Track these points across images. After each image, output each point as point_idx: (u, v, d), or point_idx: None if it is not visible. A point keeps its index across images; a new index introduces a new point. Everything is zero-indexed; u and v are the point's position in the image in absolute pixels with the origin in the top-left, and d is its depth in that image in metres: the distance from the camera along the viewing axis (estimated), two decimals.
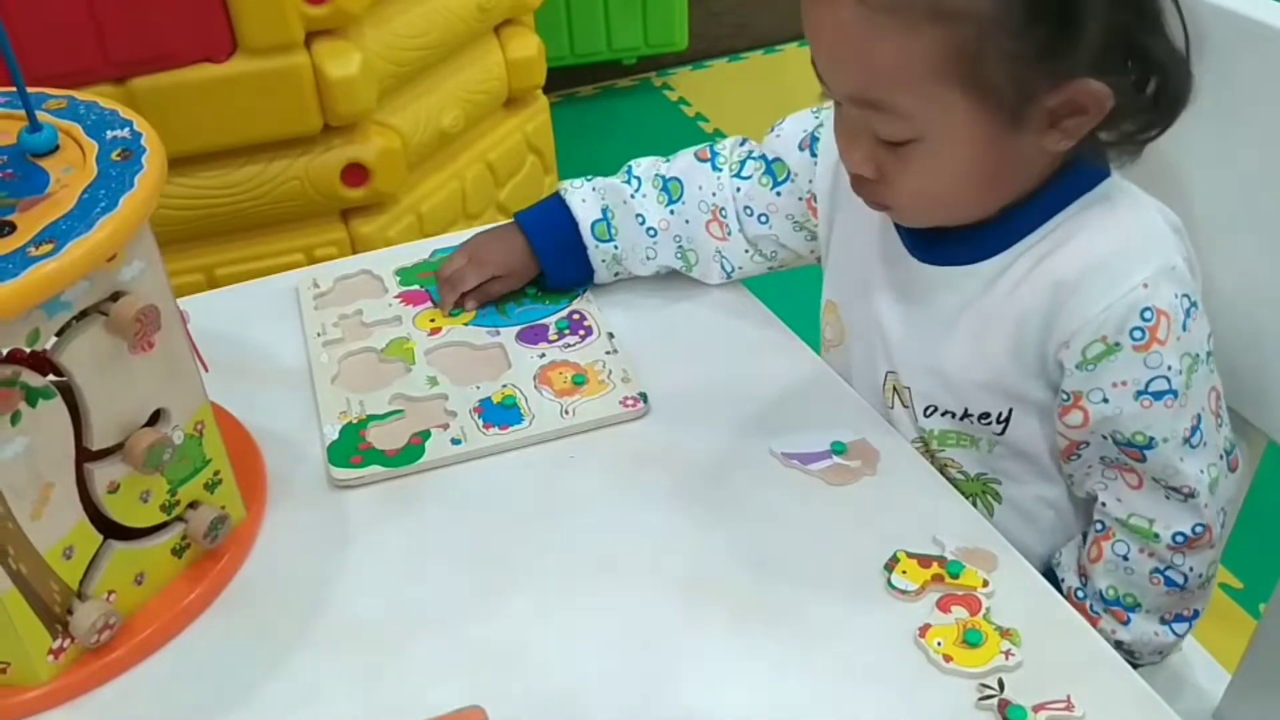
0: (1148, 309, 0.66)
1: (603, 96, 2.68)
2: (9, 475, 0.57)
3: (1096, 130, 0.66)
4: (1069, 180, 0.70)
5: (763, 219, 0.86)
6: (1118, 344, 0.67)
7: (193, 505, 0.67)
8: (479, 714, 0.56)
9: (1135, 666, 0.71)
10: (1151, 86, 0.66)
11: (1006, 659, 0.61)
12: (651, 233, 0.87)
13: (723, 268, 0.88)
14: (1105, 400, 0.68)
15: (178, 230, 1.49)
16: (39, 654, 0.61)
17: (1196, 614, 0.76)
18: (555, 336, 0.85)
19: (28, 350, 0.57)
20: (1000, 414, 0.74)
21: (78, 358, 0.58)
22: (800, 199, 0.84)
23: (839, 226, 0.82)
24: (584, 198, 0.88)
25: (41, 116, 0.64)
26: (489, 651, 0.63)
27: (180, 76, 1.43)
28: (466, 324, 0.86)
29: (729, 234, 0.87)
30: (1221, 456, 0.72)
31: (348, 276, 0.93)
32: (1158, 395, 0.68)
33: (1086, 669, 0.61)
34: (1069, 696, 0.59)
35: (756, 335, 0.85)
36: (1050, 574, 0.78)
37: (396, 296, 0.90)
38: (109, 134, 0.63)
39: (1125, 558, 0.73)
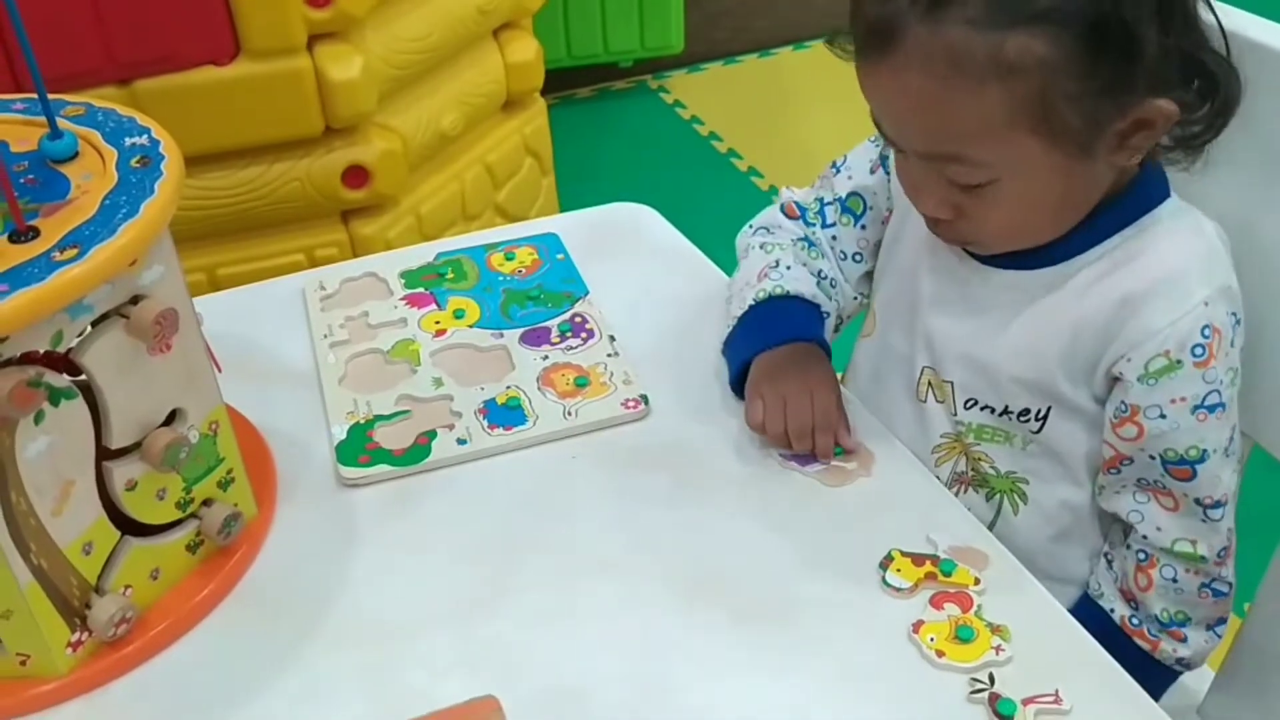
0: (1207, 326, 0.69)
1: (599, 99, 2.70)
2: (32, 473, 0.59)
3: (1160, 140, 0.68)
4: (1134, 197, 0.72)
5: (858, 258, 0.86)
6: (1179, 361, 0.69)
7: (207, 503, 0.69)
8: (493, 703, 0.58)
9: (1153, 683, 0.73)
10: (1205, 92, 0.68)
11: (997, 654, 0.63)
12: (833, 285, 0.86)
13: (836, 324, 0.87)
14: (1163, 416, 0.71)
15: (180, 230, 1.48)
16: (58, 646, 0.63)
17: (1228, 611, 0.79)
18: (558, 339, 0.86)
19: (47, 352, 0.59)
20: (1039, 411, 0.75)
21: (99, 359, 0.60)
22: (883, 222, 0.85)
23: (892, 225, 0.84)
24: (783, 275, 0.83)
25: (61, 123, 0.65)
26: (495, 646, 0.65)
27: (184, 79, 1.44)
28: (471, 325, 0.88)
29: (837, 287, 0.86)
30: (1240, 461, 0.75)
31: (353, 279, 0.94)
32: (1212, 409, 0.71)
33: (1074, 664, 0.63)
34: (1057, 690, 0.61)
35: None
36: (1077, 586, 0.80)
37: (402, 299, 0.91)
38: (127, 141, 0.65)
39: (1174, 580, 0.75)
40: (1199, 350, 0.69)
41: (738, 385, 0.80)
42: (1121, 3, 0.63)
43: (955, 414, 0.79)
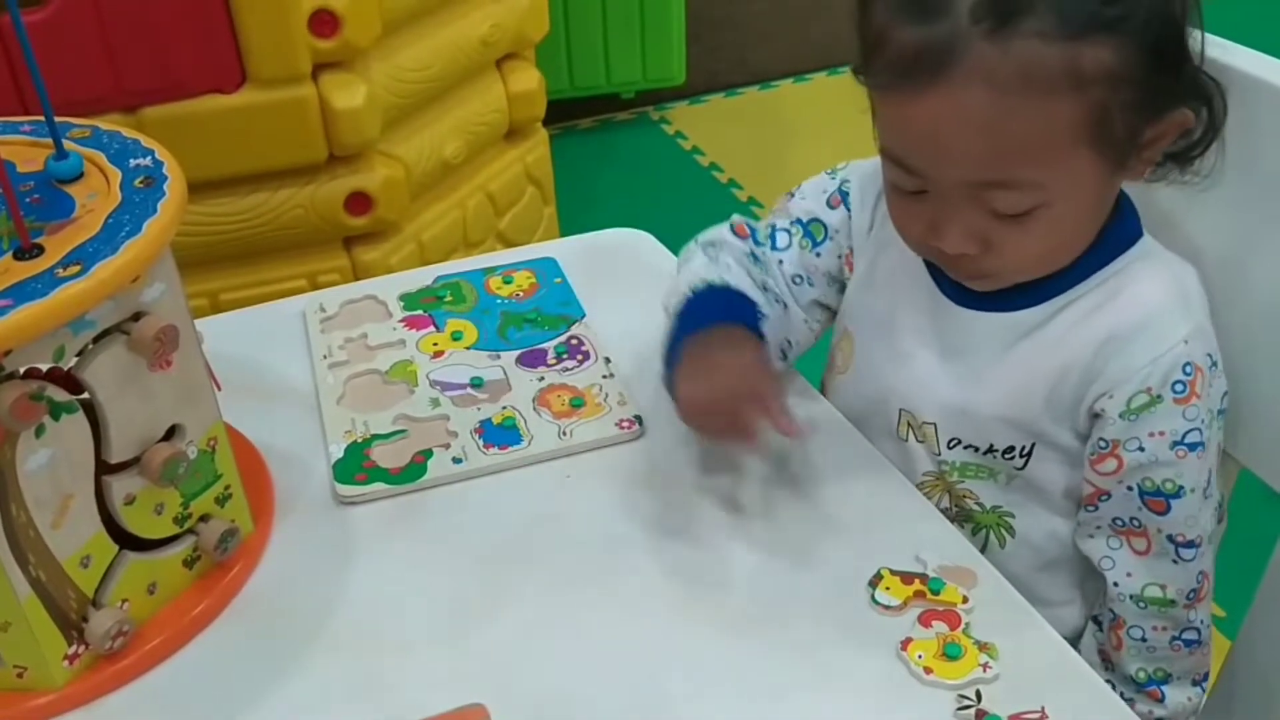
0: (1188, 364, 0.70)
1: (601, 129, 2.72)
2: (32, 486, 0.60)
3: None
4: (1112, 235, 0.72)
5: (809, 282, 0.83)
6: (1160, 396, 0.70)
7: (204, 518, 0.70)
8: (481, 712, 0.58)
9: None
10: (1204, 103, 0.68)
11: (984, 671, 0.63)
12: (779, 302, 0.82)
13: (782, 349, 0.83)
14: (1141, 449, 0.71)
15: (184, 255, 1.50)
16: (55, 659, 0.64)
17: (1208, 664, 0.79)
18: (554, 360, 0.87)
19: (50, 367, 0.60)
20: (1023, 448, 0.76)
21: (100, 374, 0.61)
22: (840, 256, 0.83)
23: (861, 263, 0.82)
24: (722, 273, 0.79)
25: (67, 145, 0.67)
26: (488, 661, 0.66)
27: (190, 106, 1.46)
28: (468, 347, 0.89)
29: (787, 309, 0.83)
30: (1218, 507, 0.75)
31: (353, 301, 0.96)
32: (1191, 446, 0.71)
33: (1060, 681, 0.63)
34: (1043, 707, 0.61)
35: None
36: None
37: (400, 321, 0.92)
38: (132, 162, 0.66)
39: (1144, 639, 0.76)
40: (1179, 387, 0.70)
41: (672, 383, 0.74)
42: (1176, 10, 0.63)
43: (939, 453, 0.78)
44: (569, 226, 2.03)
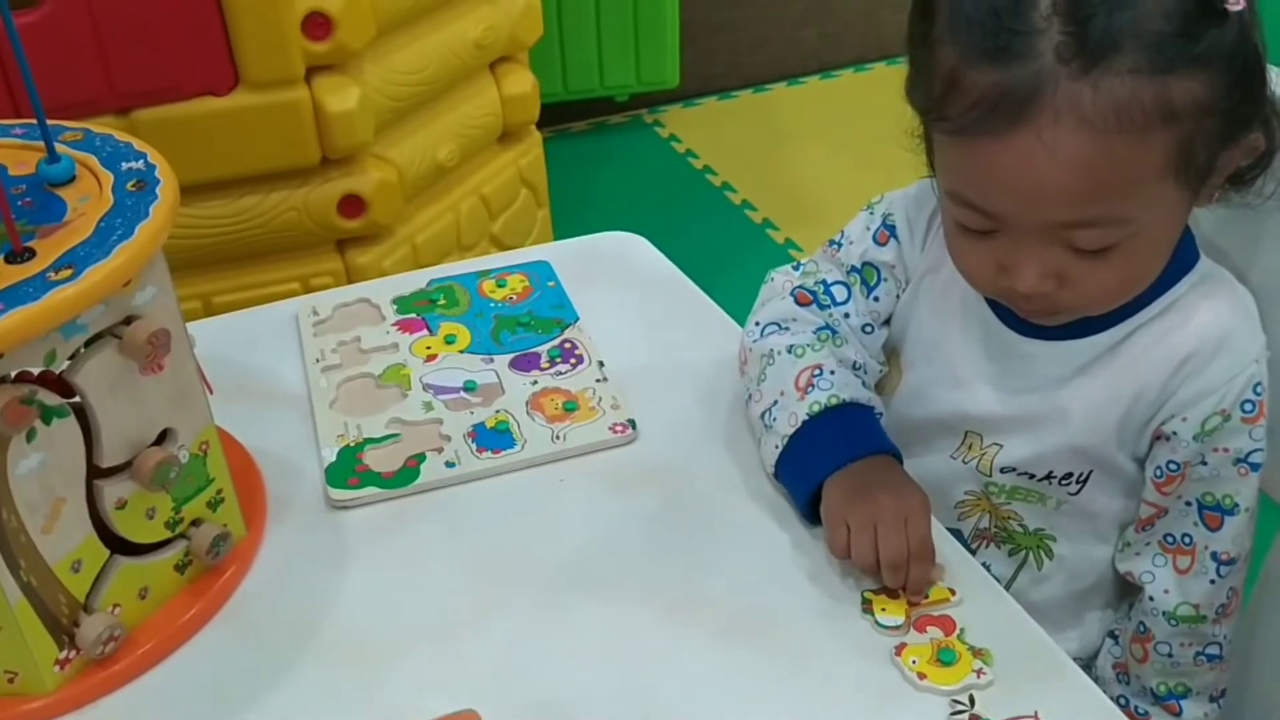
0: (1259, 384, 0.70)
1: (595, 132, 2.72)
2: (23, 490, 0.59)
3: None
4: (1173, 261, 0.71)
5: (868, 329, 0.81)
6: (1229, 415, 0.70)
7: (196, 523, 0.70)
8: (473, 717, 0.58)
9: None
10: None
11: (978, 677, 0.63)
12: (865, 370, 0.80)
13: None
14: (1204, 462, 0.71)
15: (176, 258, 1.49)
16: (46, 664, 0.64)
17: (1226, 680, 0.79)
18: (547, 364, 0.87)
19: (41, 371, 0.60)
20: (1081, 474, 0.75)
21: (91, 378, 0.61)
22: (897, 296, 0.80)
23: (909, 289, 0.81)
24: (831, 382, 0.75)
25: (59, 148, 0.67)
26: (482, 665, 0.66)
27: (183, 109, 1.45)
28: (461, 351, 0.89)
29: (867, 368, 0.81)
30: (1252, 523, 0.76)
31: (346, 304, 0.95)
32: (1254, 466, 0.71)
33: (1055, 687, 0.63)
34: (1036, 712, 0.61)
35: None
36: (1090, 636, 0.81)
37: (394, 324, 0.92)
38: (124, 165, 0.66)
39: (1170, 655, 0.76)
40: (1249, 406, 0.70)
41: (810, 510, 0.72)
42: (1255, 36, 0.63)
43: (989, 475, 0.77)
44: (563, 230, 2.02)
